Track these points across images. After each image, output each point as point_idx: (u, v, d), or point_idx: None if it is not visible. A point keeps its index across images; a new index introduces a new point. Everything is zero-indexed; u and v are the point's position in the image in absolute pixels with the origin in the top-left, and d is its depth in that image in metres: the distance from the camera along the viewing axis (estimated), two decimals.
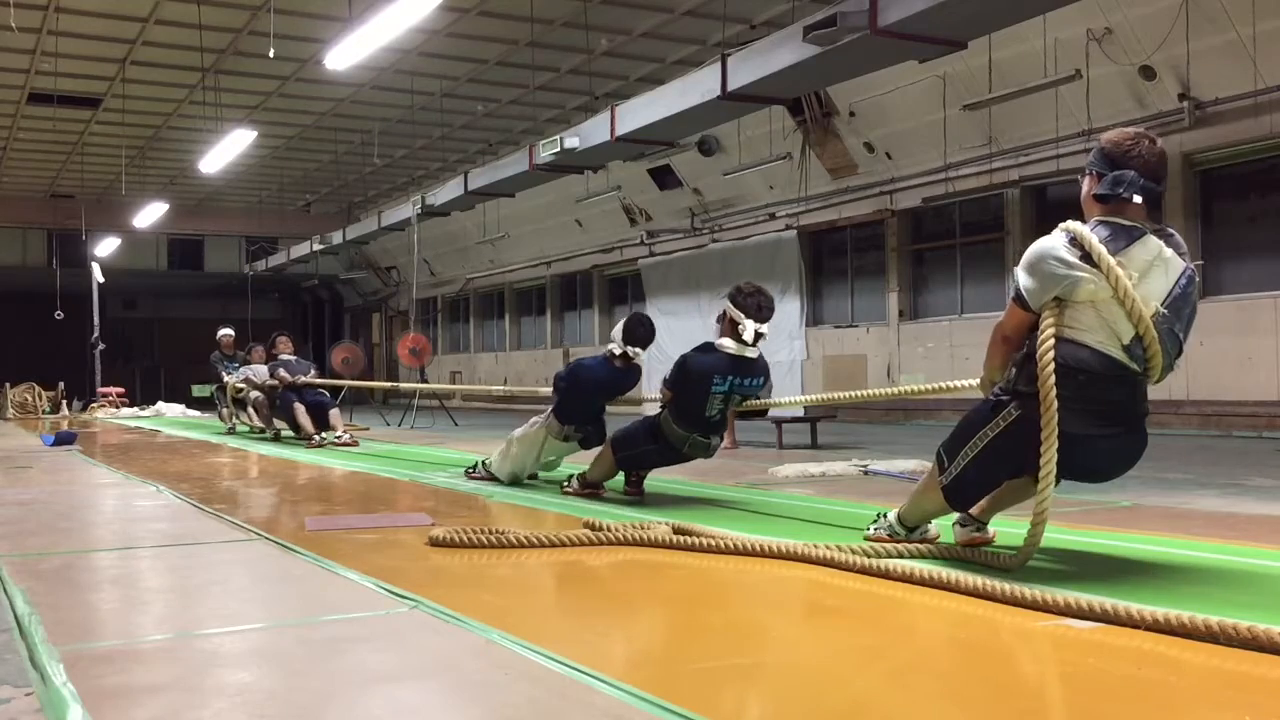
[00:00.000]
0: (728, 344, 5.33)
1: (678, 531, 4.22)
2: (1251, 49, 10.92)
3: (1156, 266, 3.33)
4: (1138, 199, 3.34)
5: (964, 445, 3.61)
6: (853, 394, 5.27)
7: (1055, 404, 3.26)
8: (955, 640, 2.92)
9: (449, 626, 2.87)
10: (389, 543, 4.43)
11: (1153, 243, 3.34)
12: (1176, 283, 3.35)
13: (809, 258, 17.57)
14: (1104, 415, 3.41)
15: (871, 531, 4.08)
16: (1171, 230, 3.46)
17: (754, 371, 5.43)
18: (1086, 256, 3.29)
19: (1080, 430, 3.36)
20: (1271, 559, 3.79)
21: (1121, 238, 3.33)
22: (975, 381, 4.28)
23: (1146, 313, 3.27)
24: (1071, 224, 3.39)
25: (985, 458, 3.56)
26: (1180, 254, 3.38)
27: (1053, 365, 3.29)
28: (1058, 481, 3.42)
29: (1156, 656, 2.57)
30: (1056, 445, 3.29)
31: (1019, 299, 3.46)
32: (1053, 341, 3.32)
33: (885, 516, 4.08)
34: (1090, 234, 3.32)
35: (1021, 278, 3.44)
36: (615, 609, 3.46)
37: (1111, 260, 3.26)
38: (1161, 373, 3.40)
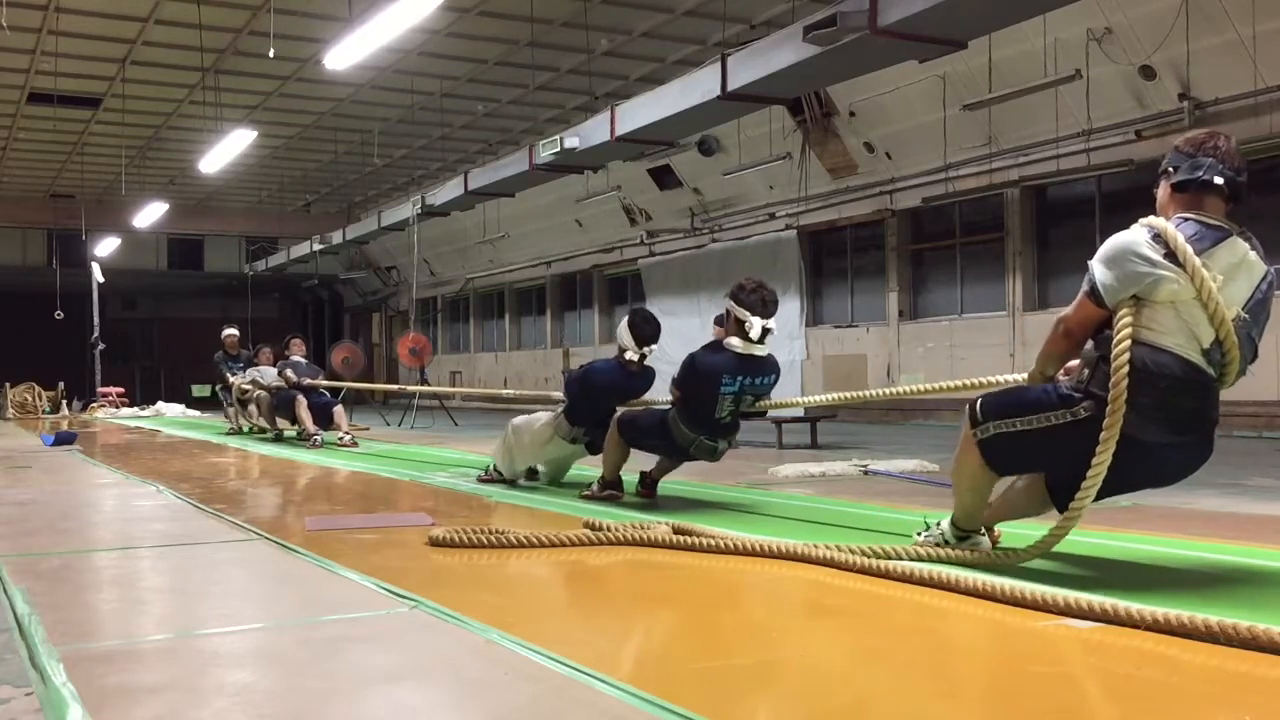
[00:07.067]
0: (735, 343, 5.20)
1: (678, 531, 4.22)
2: (1251, 49, 10.91)
3: (1242, 269, 3.20)
4: (1219, 180, 3.22)
5: (1017, 414, 3.40)
6: (854, 394, 5.23)
7: (1123, 409, 3.12)
8: (955, 640, 2.92)
9: (449, 626, 2.87)
10: (389, 543, 4.43)
11: (1240, 246, 3.21)
12: (1258, 287, 3.24)
13: (809, 258, 17.57)
14: (1180, 423, 3.26)
15: (921, 539, 3.84)
16: (1250, 234, 3.33)
17: (764, 370, 5.30)
18: (1170, 255, 3.13)
19: (1155, 439, 3.21)
20: (1271, 559, 3.79)
21: (1207, 238, 3.18)
22: (984, 379, 4.26)
23: (1229, 316, 3.14)
24: (1154, 219, 3.24)
25: (1040, 439, 3.36)
26: (1261, 257, 3.27)
27: (1127, 368, 3.13)
28: (1110, 493, 3.31)
29: (1156, 656, 2.57)
30: (1113, 450, 3.15)
31: (1093, 294, 3.26)
32: (1129, 343, 3.15)
33: (938, 525, 3.81)
34: (1176, 231, 3.15)
35: (1098, 271, 3.24)
36: (615, 609, 3.46)
37: (1197, 260, 3.10)
38: (1235, 378, 3.27)
